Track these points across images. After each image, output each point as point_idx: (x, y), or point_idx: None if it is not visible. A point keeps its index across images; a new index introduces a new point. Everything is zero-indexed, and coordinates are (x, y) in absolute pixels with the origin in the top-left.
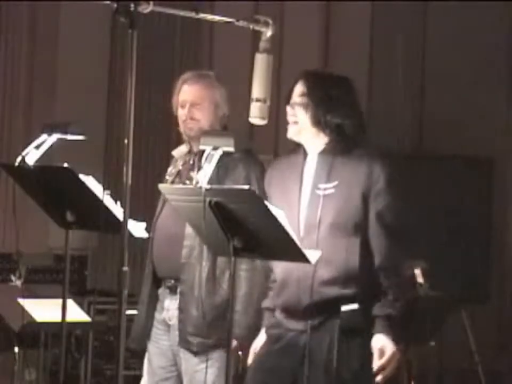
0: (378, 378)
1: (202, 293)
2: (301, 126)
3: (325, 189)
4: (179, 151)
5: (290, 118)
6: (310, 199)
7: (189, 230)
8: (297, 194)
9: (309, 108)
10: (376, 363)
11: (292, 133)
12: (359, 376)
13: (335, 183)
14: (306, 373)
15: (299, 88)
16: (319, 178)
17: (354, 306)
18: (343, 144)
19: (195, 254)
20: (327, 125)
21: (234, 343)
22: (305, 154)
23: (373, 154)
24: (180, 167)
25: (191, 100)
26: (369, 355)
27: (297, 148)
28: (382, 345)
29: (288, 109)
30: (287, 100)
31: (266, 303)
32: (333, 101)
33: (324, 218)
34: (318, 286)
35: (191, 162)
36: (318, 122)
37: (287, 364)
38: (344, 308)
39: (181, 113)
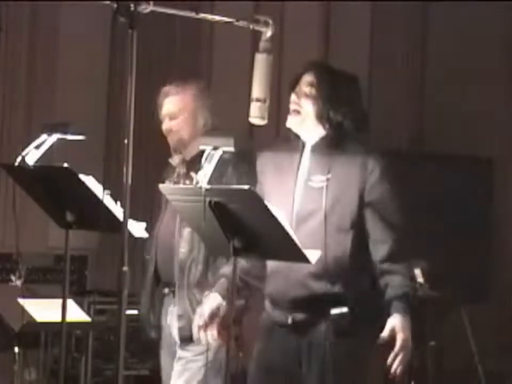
0: (393, 368)
1: (195, 293)
2: (304, 117)
3: (318, 181)
4: (174, 160)
5: (292, 106)
6: (304, 191)
7: (186, 234)
8: (292, 186)
9: (316, 101)
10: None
11: (293, 123)
12: (351, 381)
13: (329, 175)
14: (303, 372)
15: (308, 78)
16: (313, 171)
17: (344, 309)
18: (337, 138)
19: (192, 257)
20: (329, 121)
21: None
22: (303, 146)
23: (367, 149)
24: (175, 179)
25: (169, 113)
26: (361, 359)
27: (295, 139)
28: (397, 324)
29: (293, 96)
30: (292, 87)
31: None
32: (340, 98)
33: (316, 211)
34: (306, 279)
35: (184, 171)
36: (322, 117)
37: (282, 364)
38: (334, 311)
39: (163, 127)
